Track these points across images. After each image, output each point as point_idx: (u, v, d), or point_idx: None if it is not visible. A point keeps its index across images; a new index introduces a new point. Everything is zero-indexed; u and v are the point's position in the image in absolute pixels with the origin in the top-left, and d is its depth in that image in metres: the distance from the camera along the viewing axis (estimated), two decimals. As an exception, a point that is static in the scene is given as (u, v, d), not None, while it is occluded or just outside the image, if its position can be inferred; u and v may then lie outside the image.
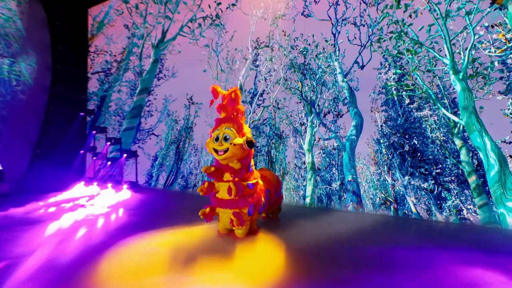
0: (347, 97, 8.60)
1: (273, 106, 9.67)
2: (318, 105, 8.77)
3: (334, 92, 8.98)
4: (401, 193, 11.15)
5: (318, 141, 10.27)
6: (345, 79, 8.73)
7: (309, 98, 8.50)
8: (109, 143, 4.45)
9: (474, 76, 7.73)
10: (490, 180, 4.75)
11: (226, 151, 1.50)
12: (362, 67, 9.41)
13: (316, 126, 8.47)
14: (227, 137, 1.53)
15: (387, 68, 9.79)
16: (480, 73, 7.73)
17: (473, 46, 6.66)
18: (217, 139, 1.55)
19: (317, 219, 2.30)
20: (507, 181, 4.61)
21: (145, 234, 1.76)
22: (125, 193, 4.17)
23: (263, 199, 1.67)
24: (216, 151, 1.54)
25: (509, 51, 6.93)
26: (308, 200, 7.61)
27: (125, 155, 4.65)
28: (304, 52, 8.35)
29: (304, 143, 8.71)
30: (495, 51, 7.02)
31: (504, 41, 6.97)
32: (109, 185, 4.48)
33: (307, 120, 8.78)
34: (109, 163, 4.56)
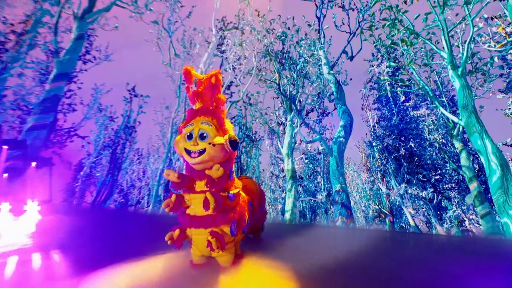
0: (334, 93, 8.33)
1: (244, 101, 9.56)
2: (300, 101, 8.52)
3: (319, 86, 8.79)
4: (397, 203, 11.19)
5: (300, 144, 11.13)
6: (331, 71, 8.51)
7: (288, 92, 8.14)
8: (5, 147, 3.71)
9: (474, 72, 7.74)
10: (492, 187, 4.72)
11: (202, 152, 1.34)
12: (351, 57, 9.27)
13: (297, 127, 8.09)
14: (205, 134, 1.36)
15: (379, 60, 9.70)
16: (480, 69, 7.77)
17: (472, 39, 6.62)
18: (190, 136, 1.38)
19: (305, 237, 2.20)
20: (510, 188, 4.54)
21: (84, 276, 1.42)
22: (33, 217, 3.63)
23: (246, 214, 1.55)
24: (188, 152, 1.36)
25: (509, 46, 6.97)
26: (288, 215, 7.17)
27: (33, 163, 3.97)
28: (283, 38, 8.00)
29: (282, 147, 8.14)
30: (495, 46, 7.06)
31: (504, 35, 7.02)
32: (4, 206, 3.76)
33: (286, 119, 8.48)
34: (5, 175, 3.71)
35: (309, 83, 8.61)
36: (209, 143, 1.34)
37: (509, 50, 7.65)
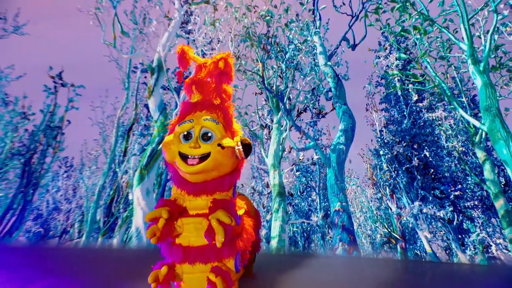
0: (332, 89, 8.33)
1: None
2: (289, 98, 8.52)
3: (313, 80, 8.77)
4: (410, 225, 11.24)
5: (290, 152, 10.53)
6: (329, 62, 8.50)
7: (275, 87, 8.02)
8: None
9: (498, 68, 7.99)
10: None
11: (204, 158, 1.28)
12: (354, 46, 9.33)
13: (285, 130, 8.03)
14: (209, 134, 1.32)
15: (387, 51, 9.82)
16: (505, 65, 8.06)
17: (496, 29, 6.75)
18: (187, 136, 1.33)
19: (298, 269, 2.16)
20: None
21: None
22: None
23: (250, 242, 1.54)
24: (184, 157, 1.30)
25: None
26: (274, 242, 6.92)
27: None
28: (268, 18, 7.80)
29: (267, 156, 7.98)
30: None
31: None
32: None
33: (272, 121, 8.50)
34: None
35: (301, 76, 8.55)
36: (218, 145, 1.30)
37: (537, 43, 7.92)
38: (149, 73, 6.45)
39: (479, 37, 7.26)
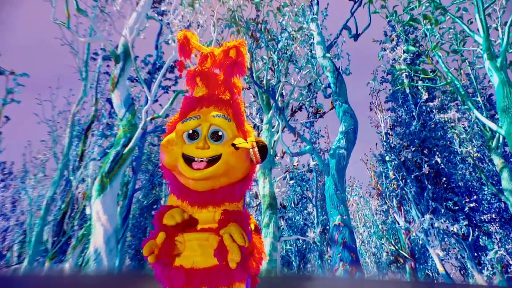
0: (332, 85, 8.36)
1: None
2: (282, 95, 8.54)
3: (310, 74, 8.77)
4: (421, 242, 11.30)
5: (282, 157, 10.53)
6: (328, 54, 8.52)
7: (265, 82, 7.94)
8: None
9: None
10: None
11: (214, 160, 1.27)
12: (356, 36, 9.41)
13: (277, 132, 8.00)
14: (220, 133, 1.33)
15: (394, 42, 9.93)
16: None
17: None
18: (193, 135, 1.32)
19: None
20: None
21: None
22: None
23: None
24: (189, 160, 1.28)
25: None
26: (264, 263, 6.78)
27: None
28: (257, 0, 7.79)
29: None
30: None
31: None
32: None
33: (262, 121, 8.44)
34: None
35: (296, 70, 8.52)
36: (232, 145, 1.30)
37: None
38: (113, 61, 6.22)
39: (496, 29, 7.41)
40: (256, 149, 1.36)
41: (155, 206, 14.82)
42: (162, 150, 1.38)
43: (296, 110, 8.93)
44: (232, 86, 1.53)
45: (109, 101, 9.82)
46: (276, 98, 7.84)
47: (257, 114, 9.31)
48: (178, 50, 1.58)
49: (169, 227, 1.28)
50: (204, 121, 1.37)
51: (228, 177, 1.35)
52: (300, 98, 8.81)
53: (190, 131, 1.35)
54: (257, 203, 11.84)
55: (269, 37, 7.93)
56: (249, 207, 11.83)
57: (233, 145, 1.32)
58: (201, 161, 1.30)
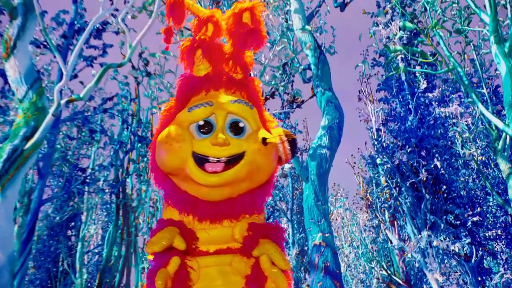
0: (312, 66, 8.48)
1: (134, 67, 9.25)
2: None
3: (285, 51, 8.83)
4: (417, 265, 11.87)
5: None
6: (308, 27, 8.59)
7: None
8: None
9: None
10: None
11: (235, 160, 1.29)
12: (343, 5, 9.63)
13: None
14: (241, 124, 1.37)
15: (388, 16, 10.30)
16: None
17: None
18: (205, 127, 1.33)
19: None
20: None
21: None
22: None
23: None
24: (201, 161, 1.29)
25: None
26: None
27: None
28: None
29: None
30: None
31: None
32: None
33: None
34: None
35: (267, 45, 8.43)
36: (264, 140, 1.31)
37: None
38: (7, 16, 5.72)
39: (505, 6, 7.96)
40: (286, 143, 1.39)
41: (71, 224, 14.04)
42: (162, 148, 1.35)
43: (268, 97, 8.86)
44: (245, 62, 1.52)
45: (2, 73, 8.98)
46: None
47: None
48: (167, 11, 1.54)
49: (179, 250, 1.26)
50: (218, 109, 1.35)
51: (250, 182, 1.37)
52: (273, 82, 8.78)
53: (201, 122, 1.34)
54: None
55: (232, -1, 7.78)
56: None
57: (264, 139, 1.31)
58: (218, 161, 1.29)
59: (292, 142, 1.44)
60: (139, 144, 11.61)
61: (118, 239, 11.74)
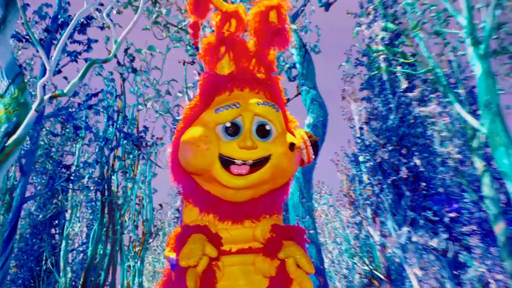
0: (297, 65, 8.53)
1: (120, 63, 9.29)
2: None
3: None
4: (397, 260, 12.03)
5: None
6: (293, 25, 8.61)
7: None
8: None
9: (499, 53, 9.12)
10: None
11: (262, 162, 1.30)
12: (327, 5, 9.66)
13: None
14: (268, 127, 1.35)
15: (371, 17, 10.39)
16: (506, 50, 9.24)
17: (499, 2, 7.28)
18: (231, 129, 1.32)
19: None
20: None
21: None
22: None
23: None
24: (226, 163, 1.28)
25: None
26: None
27: None
28: None
29: None
30: None
31: None
32: None
33: None
34: None
35: None
36: (291, 145, 1.33)
37: (543, 25, 9.23)
38: None
39: (479, 10, 8.10)
40: (310, 148, 1.42)
41: (55, 222, 13.74)
42: (188, 149, 1.33)
43: None
44: (270, 61, 1.48)
45: (-19, 67, 8.71)
46: None
47: None
48: (191, 5, 1.50)
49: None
50: (245, 111, 1.32)
51: (273, 183, 1.38)
52: None
53: (228, 124, 1.31)
54: None
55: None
56: None
57: (292, 145, 1.32)
58: (244, 164, 1.28)
59: (314, 145, 1.47)
60: (125, 141, 11.47)
61: (103, 237, 11.54)
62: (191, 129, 1.36)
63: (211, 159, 1.29)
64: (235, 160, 1.29)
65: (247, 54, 1.48)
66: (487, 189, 8.49)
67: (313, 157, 1.47)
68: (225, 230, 1.37)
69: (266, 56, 1.50)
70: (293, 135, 1.44)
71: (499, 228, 7.88)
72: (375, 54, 9.86)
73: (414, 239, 10.06)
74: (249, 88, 1.41)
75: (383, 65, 10.48)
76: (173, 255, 1.38)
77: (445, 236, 10.14)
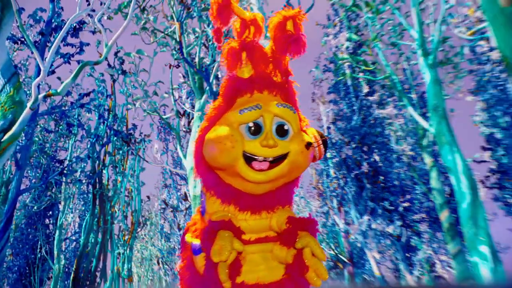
0: None
1: (110, 65, 9.13)
2: (218, 77, 8.32)
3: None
4: (359, 245, 12.27)
5: None
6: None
7: (197, 60, 7.75)
8: None
9: (445, 63, 9.54)
10: (462, 216, 5.80)
11: (280, 159, 1.30)
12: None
13: None
14: (286, 127, 1.35)
15: (337, 28, 10.58)
16: (450, 60, 9.67)
17: (444, 19, 7.81)
18: (254, 129, 1.31)
19: None
20: (479, 217, 5.66)
21: None
22: None
23: None
24: (249, 159, 1.30)
25: (478, 35, 8.89)
26: None
27: None
28: None
29: (185, 155, 7.80)
30: (466, 32, 8.81)
31: (474, 20, 8.89)
32: None
33: (193, 107, 8.31)
34: None
35: None
36: (308, 144, 1.35)
37: (478, 40, 9.71)
38: None
39: (428, 25, 8.43)
40: (322, 146, 1.43)
41: (49, 213, 13.27)
42: (214, 147, 1.33)
43: None
44: (285, 66, 1.48)
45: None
46: (211, 80, 7.64)
47: (188, 98, 9.06)
48: (215, 12, 1.47)
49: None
50: (266, 112, 1.33)
51: (288, 178, 1.39)
52: None
53: (251, 124, 1.32)
54: (187, 206, 11.65)
55: (203, 5, 7.68)
56: (177, 211, 11.78)
57: (309, 144, 1.34)
58: (264, 160, 1.30)
59: (325, 142, 1.48)
60: (115, 138, 11.25)
61: (95, 226, 11.31)
62: (216, 128, 1.36)
63: (236, 156, 1.31)
64: (257, 157, 1.31)
65: (266, 59, 1.47)
66: (434, 181, 8.83)
67: (323, 154, 1.48)
68: (244, 220, 1.39)
69: (283, 61, 1.50)
70: (306, 133, 1.44)
71: (443, 215, 8.22)
72: (340, 62, 10.04)
73: (373, 226, 10.31)
74: (268, 90, 1.42)
75: (347, 71, 10.68)
76: (196, 241, 1.42)
77: (399, 223, 10.44)
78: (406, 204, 10.67)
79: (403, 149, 10.53)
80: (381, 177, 11.09)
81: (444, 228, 8.16)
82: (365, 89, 10.79)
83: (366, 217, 10.29)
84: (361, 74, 9.49)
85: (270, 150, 1.29)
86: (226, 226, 1.32)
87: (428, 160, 9.25)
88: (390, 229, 10.22)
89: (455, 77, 10.17)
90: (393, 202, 10.75)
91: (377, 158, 10.92)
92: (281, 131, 1.33)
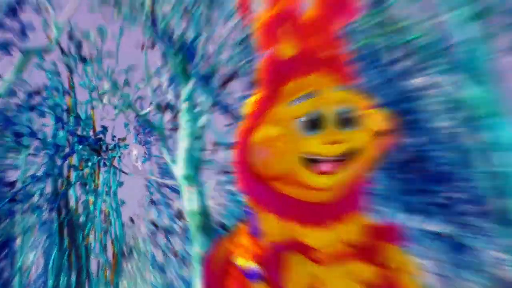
0: None
1: (65, 52, 9.25)
2: (204, 57, 8.37)
3: (244, 24, 8.87)
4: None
5: (214, 151, 10.19)
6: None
7: (176, 35, 7.99)
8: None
9: (488, 14, 9.94)
10: None
11: (348, 156, 1.35)
12: None
13: (204, 113, 8.15)
14: (350, 115, 1.38)
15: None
16: (490, 11, 10.13)
17: None
18: (312, 122, 1.36)
19: None
20: None
21: None
22: None
23: None
24: (311, 162, 1.39)
25: None
26: None
27: None
28: None
29: (174, 161, 8.10)
30: None
31: None
32: None
33: (178, 97, 8.46)
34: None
35: (223, 18, 8.29)
36: (379, 132, 1.41)
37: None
38: None
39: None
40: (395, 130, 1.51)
41: (3, 253, 13.22)
42: (264, 151, 1.41)
43: (228, 78, 8.59)
44: (336, 37, 1.47)
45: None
46: (197, 61, 7.90)
47: (170, 85, 9.02)
48: None
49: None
50: (323, 99, 1.34)
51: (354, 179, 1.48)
52: (233, 61, 8.77)
53: (306, 118, 1.33)
54: (182, 225, 11.95)
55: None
56: (170, 234, 12.01)
57: (381, 132, 1.37)
58: (332, 160, 1.33)
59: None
60: (80, 146, 11.39)
61: (66, 265, 11.44)
62: (263, 128, 1.40)
63: (292, 159, 1.33)
64: (319, 157, 1.30)
65: (311, 31, 1.43)
66: (485, 164, 9.34)
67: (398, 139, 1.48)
68: (309, 236, 1.40)
69: (332, 31, 1.43)
70: (373, 117, 1.40)
71: (497, 204, 8.75)
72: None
73: (424, 226, 10.72)
74: (319, 72, 1.40)
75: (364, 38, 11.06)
76: (252, 265, 1.42)
77: (446, 219, 10.91)
78: (457, 195, 10.97)
79: (447, 126, 10.76)
80: (423, 164, 11.39)
81: (496, 219, 8.72)
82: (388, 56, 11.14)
83: (405, 215, 10.50)
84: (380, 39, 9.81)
85: (334, 146, 1.29)
86: (294, 247, 1.38)
87: (477, 137, 9.68)
88: (437, 228, 10.46)
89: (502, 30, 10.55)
90: (439, 194, 11.01)
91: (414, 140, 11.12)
92: (345, 121, 1.30)
